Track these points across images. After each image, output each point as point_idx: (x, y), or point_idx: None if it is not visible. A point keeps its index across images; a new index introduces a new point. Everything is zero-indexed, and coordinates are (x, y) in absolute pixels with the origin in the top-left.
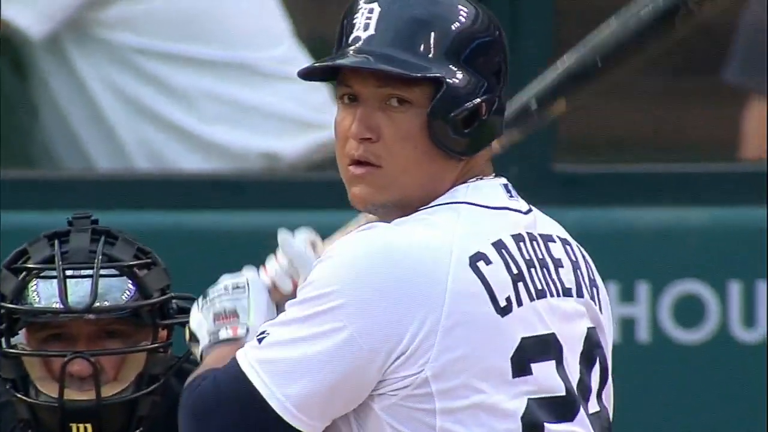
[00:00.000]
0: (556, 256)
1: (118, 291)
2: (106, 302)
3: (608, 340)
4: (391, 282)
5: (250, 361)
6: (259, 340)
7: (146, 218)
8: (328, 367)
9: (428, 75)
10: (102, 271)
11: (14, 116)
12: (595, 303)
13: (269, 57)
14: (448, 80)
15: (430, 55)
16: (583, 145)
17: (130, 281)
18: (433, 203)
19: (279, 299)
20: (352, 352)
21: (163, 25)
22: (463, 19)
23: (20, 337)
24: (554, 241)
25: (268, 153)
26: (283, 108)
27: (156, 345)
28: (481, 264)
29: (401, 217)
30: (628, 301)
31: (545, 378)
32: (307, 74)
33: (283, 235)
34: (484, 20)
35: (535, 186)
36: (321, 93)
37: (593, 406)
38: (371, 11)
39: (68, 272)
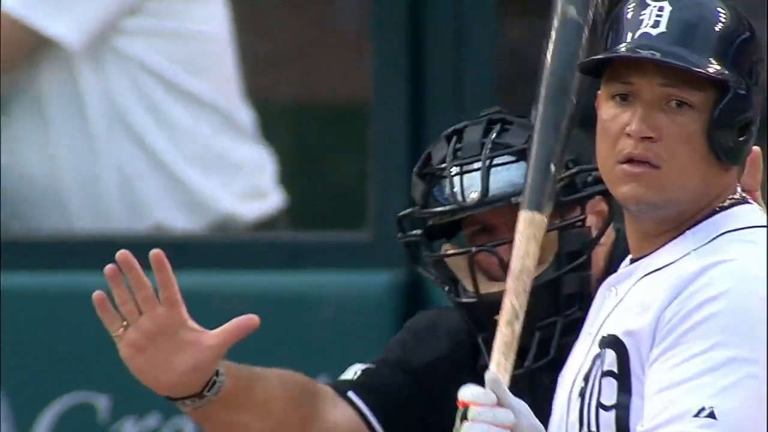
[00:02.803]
0: None
1: (518, 177)
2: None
3: None
4: None
5: None
6: (710, 415)
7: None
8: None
9: (727, 78)
10: (497, 160)
11: None
12: None
13: None
14: (733, 83)
15: (712, 58)
16: None
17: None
18: (737, 225)
19: None
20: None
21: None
22: (725, 19)
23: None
24: None
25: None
26: None
27: (563, 224)
28: None
29: (665, 219)
30: None
31: None
32: (584, 69)
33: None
34: (739, 19)
35: None
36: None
37: None
38: (661, 9)
39: (454, 169)
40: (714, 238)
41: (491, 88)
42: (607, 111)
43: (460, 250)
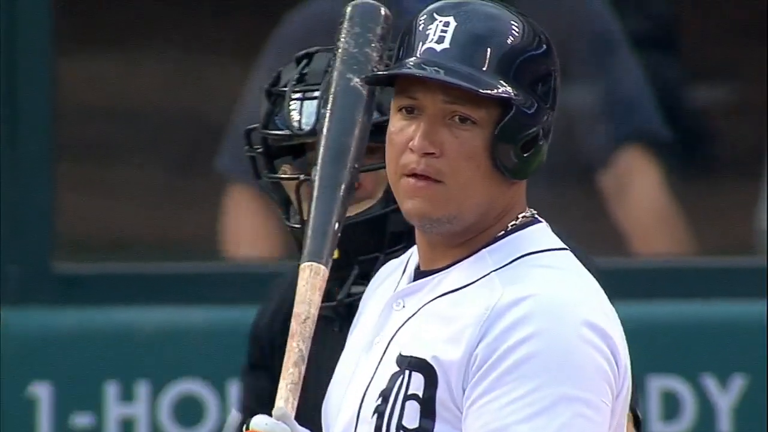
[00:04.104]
0: None
1: None
2: None
3: None
4: (604, 358)
5: None
6: None
7: None
8: None
9: (510, 97)
10: None
11: None
12: None
13: None
14: (517, 102)
15: (497, 74)
16: (82, 244)
17: None
18: (535, 247)
19: None
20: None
21: None
22: (517, 34)
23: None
24: None
25: None
26: None
27: None
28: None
29: (451, 233)
30: (128, 401)
31: None
32: (372, 80)
33: None
34: (533, 33)
35: (35, 286)
36: None
37: None
38: (447, 24)
39: (296, 95)
40: (513, 260)
41: (48, 128)
42: (395, 123)
43: (290, 176)
